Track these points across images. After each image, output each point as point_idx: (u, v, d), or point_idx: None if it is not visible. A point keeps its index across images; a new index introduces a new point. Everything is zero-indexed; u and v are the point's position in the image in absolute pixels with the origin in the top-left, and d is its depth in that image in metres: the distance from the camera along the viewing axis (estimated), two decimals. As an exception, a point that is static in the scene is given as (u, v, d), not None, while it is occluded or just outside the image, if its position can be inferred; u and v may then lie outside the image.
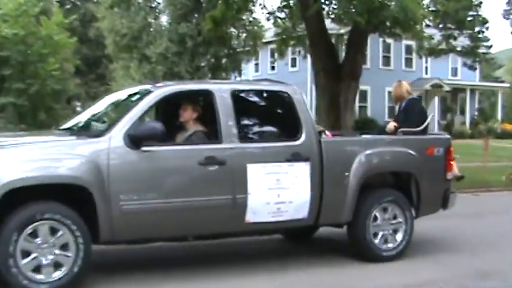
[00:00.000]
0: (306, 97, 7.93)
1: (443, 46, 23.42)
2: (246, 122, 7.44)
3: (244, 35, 35.78)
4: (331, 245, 8.95)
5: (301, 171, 7.35)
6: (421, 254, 8.26)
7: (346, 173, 7.61)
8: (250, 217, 7.12)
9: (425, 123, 8.79)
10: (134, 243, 7.16)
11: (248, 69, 41.79)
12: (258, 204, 7.10)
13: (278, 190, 7.21)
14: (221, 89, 7.26)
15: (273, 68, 42.55)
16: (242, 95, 7.54)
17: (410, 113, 9.09)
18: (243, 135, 7.25)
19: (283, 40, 23.01)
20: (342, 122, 18.54)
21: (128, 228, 6.51)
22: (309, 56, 22.73)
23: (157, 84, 7.31)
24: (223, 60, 37.15)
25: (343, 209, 7.63)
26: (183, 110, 7.38)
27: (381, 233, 7.90)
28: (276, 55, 29.29)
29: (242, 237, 8.03)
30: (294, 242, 9.19)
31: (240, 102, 7.34)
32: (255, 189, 7.07)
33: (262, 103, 7.84)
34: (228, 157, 6.99)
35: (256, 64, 43.82)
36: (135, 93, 7.34)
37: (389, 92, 30.08)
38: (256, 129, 7.59)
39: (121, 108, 7.28)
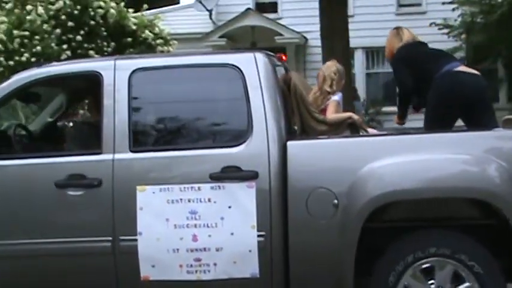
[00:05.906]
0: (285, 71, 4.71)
1: None
2: (150, 118, 4.64)
3: None
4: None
5: (239, 198, 4.30)
6: None
7: (335, 201, 4.29)
8: (148, 272, 4.37)
9: None
10: None
11: None
12: (155, 252, 4.34)
13: (193, 229, 4.32)
14: (115, 69, 4.58)
15: None
16: (150, 75, 4.65)
17: None
18: (140, 141, 4.52)
19: None
20: None
21: None
22: None
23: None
24: None
25: (336, 265, 4.31)
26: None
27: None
28: None
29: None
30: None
31: (145, 87, 4.64)
32: (148, 227, 4.33)
33: (183, 86, 4.73)
34: (106, 175, 4.37)
35: None
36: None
37: None
38: (163, 129, 4.63)
39: None
